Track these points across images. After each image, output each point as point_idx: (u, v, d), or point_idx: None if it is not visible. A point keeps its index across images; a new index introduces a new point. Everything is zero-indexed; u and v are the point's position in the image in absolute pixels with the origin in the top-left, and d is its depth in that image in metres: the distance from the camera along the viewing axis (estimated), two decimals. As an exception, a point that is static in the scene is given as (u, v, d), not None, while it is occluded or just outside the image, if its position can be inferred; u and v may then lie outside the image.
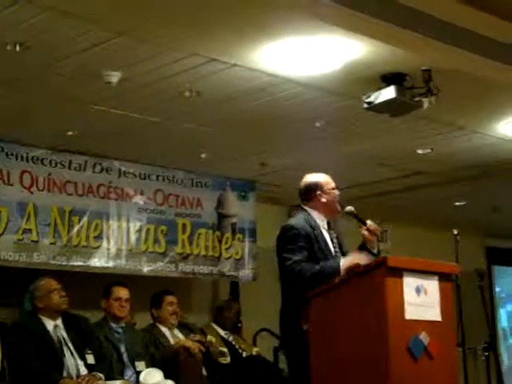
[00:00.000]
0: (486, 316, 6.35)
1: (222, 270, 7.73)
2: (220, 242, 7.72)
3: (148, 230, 7.22)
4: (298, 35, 4.48)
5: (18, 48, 4.49)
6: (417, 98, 5.13)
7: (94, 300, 6.14)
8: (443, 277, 4.12)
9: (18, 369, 5.14)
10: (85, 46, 4.57)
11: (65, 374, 5.27)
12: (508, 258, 11.41)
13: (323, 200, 4.52)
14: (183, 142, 6.58)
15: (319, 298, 4.07)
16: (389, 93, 5.07)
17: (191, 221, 7.54)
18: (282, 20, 4.31)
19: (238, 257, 7.85)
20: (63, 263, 6.56)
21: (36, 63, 4.82)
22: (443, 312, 4.05)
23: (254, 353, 7.17)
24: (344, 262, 4.14)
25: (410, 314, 3.88)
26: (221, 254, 7.72)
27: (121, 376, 5.70)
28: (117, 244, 6.98)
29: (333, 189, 4.56)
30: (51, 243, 6.52)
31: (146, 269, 7.13)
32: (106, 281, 6.33)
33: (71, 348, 5.43)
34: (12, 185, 6.37)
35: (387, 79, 5.10)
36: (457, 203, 9.09)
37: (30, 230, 6.41)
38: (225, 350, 6.96)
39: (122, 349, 5.88)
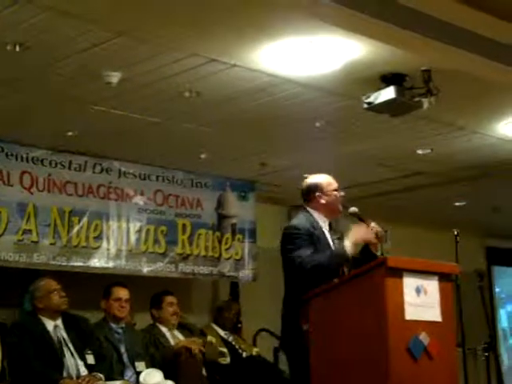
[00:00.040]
0: (486, 316, 6.32)
1: (222, 270, 7.72)
2: (220, 242, 7.72)
3: (148, 230, 7.21)
4: (298, 35, 4.48)
5: (17, 48, 4.49)
6: (416, 99, 5.13)
7: (94, 300, 6.13)
8: (443, 277, 4.12)
9: (18, 369, 5.14)
10: (85, 46, 4.57)
11: (65, 374, 5.27)
12: (508, 258, 11.40)
13: (322, 201, 4.52)
14: (183, 142, 6.57)
15: (319, 297, 4.08)
16: (388, 93, 5.07)
17: (191, 221, 7.54)
18: (282, 20, 4.31)
19: (237, 257, 7.84)
20: (63, 264, 6.55)
21: (36, 63, 4.81)
22: (443, 312, 4.06)
23: (253, 353, 7.17)
24: (346, 244, 4.24)
25: (410, 314, 3.88)
26: (221, 255, 7.71)
27: (121, 376, 5.69)
28: (117, 244, 6.97)
29: (334, 190, 4.56)
30: (51, 244, 6.52)
31: (145, 269, 7.12)
32: (105, 281, 6.33)
33: (71, 348, 5.43)
34: (12, 185, 6.36)
35: (387, 79, 5.10)
36: (457, 203, 9.08)
37: (29, 231, 6.41)
38: (225, 350, 6.95)
39: (122, 349, 5.87)
